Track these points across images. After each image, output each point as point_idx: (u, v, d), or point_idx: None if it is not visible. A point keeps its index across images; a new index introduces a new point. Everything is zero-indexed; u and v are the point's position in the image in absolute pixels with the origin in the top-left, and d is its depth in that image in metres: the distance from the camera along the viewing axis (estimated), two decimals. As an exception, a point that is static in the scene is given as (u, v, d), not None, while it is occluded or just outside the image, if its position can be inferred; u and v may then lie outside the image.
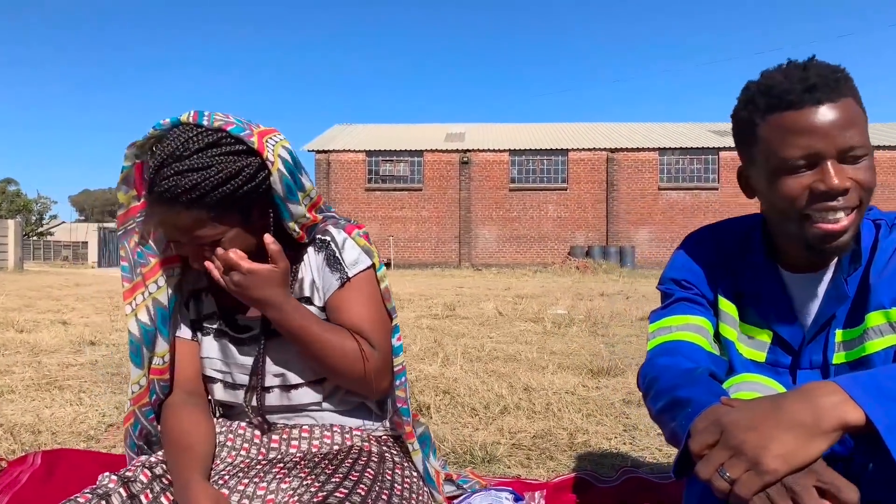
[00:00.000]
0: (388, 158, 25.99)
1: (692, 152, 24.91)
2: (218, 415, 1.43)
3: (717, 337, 1.31)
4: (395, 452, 1.34)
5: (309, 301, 1.30)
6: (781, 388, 1.10)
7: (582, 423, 2.54)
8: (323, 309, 1.31)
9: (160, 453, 1.27)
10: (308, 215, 1.26)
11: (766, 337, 1.25)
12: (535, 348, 4.59)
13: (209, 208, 1.14)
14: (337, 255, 1.28)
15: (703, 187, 24.77)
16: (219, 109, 1.24)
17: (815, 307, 1.21)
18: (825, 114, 1.07)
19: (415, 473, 1.34)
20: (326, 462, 1.23)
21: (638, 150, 25.05)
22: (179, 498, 1.11)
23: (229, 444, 1.30)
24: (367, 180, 25.86)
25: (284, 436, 1.31)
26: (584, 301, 8.92)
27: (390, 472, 1.26)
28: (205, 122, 1.16)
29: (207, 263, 1.19)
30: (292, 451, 1.29)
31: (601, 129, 29.63)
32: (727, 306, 1.30)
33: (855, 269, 1.17)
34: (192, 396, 1.32)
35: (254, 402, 1.32)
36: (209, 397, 1.39)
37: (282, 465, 1.24)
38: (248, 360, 1.31)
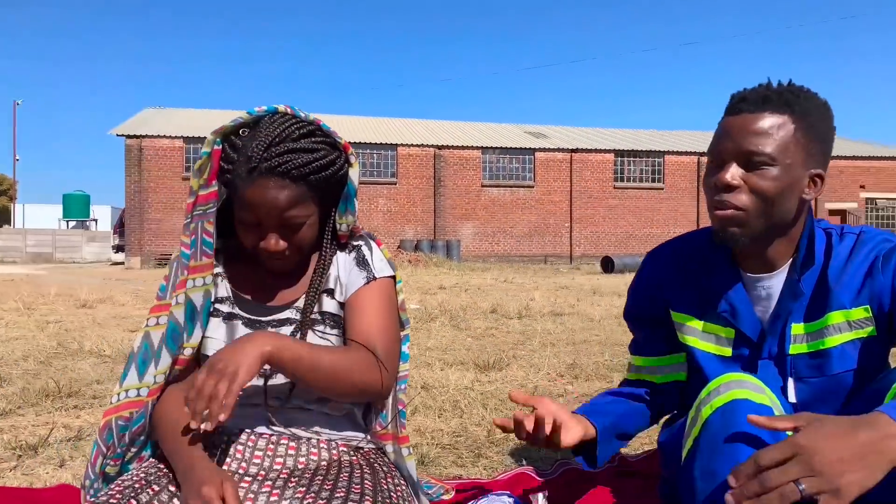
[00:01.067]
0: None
1: (511, 152, 26.36)
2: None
3: (686, 348, 1.47)
4: (381, 462, 1.35)
5: (330, 293, 1.35)
6: (761, 383, 1.20)
7: (492, 418, 2.63)
8: (341, 306, 1.35)
9: (138, 469, 1.21)
10: (348, 228, 1.37)
11: (729, 334, 1.40)
12: (408, 345, 4.63)
13: (310, 187, 1.23)
14: (367, 257, 1.37)
15: (520, 185, 26.31)
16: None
17: (771, 304, 1.36)
18: (738, 120, 1.26)
19: (402, 482, 1.35)
20: (321, 478, 1.21)
21: (463, 147, 26.01)
22: (185, 480, 1.10)
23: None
24: (185, 168, 24.23)
25: (269, 452, 1.27)
26: (430, 295, 9.12)
27: (385, 482, 1.26)
28: (301, 115, 1.27)
29: (281, 242, 1.25)
30: (276, 466, 1.25)
31: (430, 126, 30.34)
32: (685, 319, 1.45)
33: (807, 270, 1.32)
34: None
35: (267, 385, 1.28)
36: None
37: (270, 483, 1.19)
38: None
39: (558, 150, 26.27)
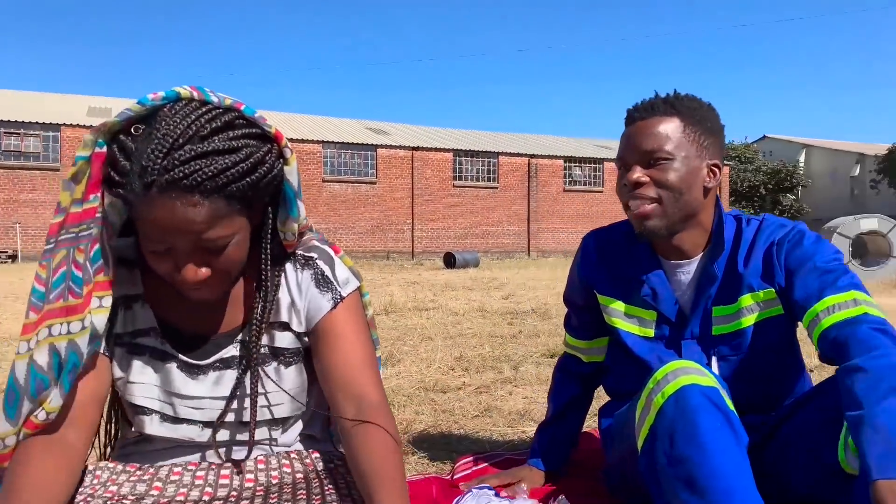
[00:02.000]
0: (13, 131, 21.81)
1: (353, 147, 26.20)
2: (105, 455, 1.24)
3: (611, 329, 1.63)
4: None
5: (285, 326, 1.15)
6: (701, 366, 1.30)
7: (408, 415, 2.68)
8: (303, 335, 1.17)
9: None
10: (306, 219, 1.15)
11: (651, 316, 1.55)
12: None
13: (231, 200, 0.96)
14: (327, 273, 1.15)
15: (363, 181, 26.24)
16: None
17: (690, 288, 1.53)
18: (633, 129, 1.45)
19: None
20: (304, 491, 1.11)
21: (303, 141, 25.42)
22: None
23: (155, 493, 1.09)
24: None
25: (236, 470, 1.16)
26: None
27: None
28: (213, 100, 0.99)
29: (202, 270, 1.00)
30: (248, 484, 1.14)
31: (268, 118, 29.08)
32: (609, 302, 1.62)
33: (718, 256, 1.47)
34: (66, 430, 1.02)
35: (223, 437, 1.16)
36: (109, 429, 1.21)
37: (247, 502, 1.09)
38: (202, 391, 1.14)
39: (400, 147, 26.52)
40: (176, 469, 1.15)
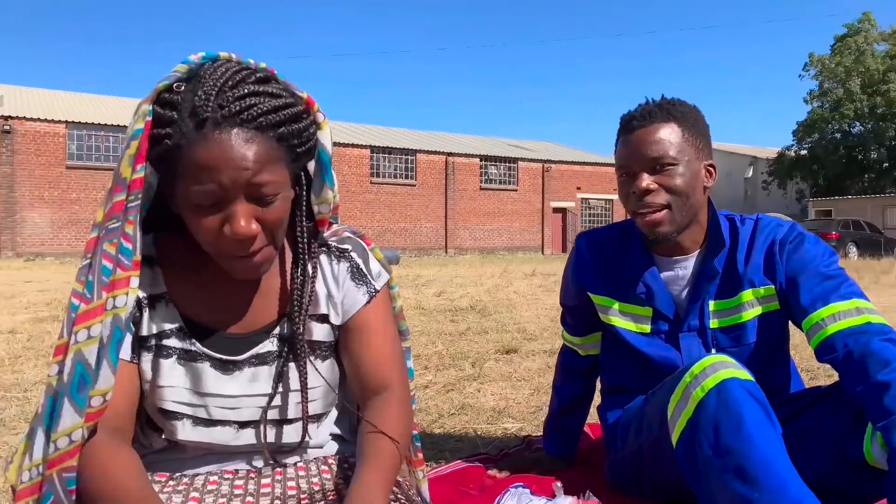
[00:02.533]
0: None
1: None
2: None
3: (606, 327, 1.70)
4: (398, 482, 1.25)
5: (324, 319, 1.12)
6: (735, 361, 1.33)
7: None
8: (333, 329, 1.14)
9: None
10: (329, 211, 1.12)
11: (647, 312, 1.61)
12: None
13: (281, 143, 0.95)
14: (362, 266, 1.14)
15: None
16: None
17: (685, 283, 1.59)
18: (635, 136, 1.49)
19: (418, 497, 1.25)
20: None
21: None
22: None
23: None
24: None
25: (278, 476, 1.13)
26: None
27: (413, 497, 1.18)
28: (250, 62, 1.00)
29: (253, 224, 0.94)
30: (290, 492, 1.11)
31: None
32: (604, 301, 1.67)
33: (719, 251, 1.53)
34: (115, 435, 1.00)
35: (270, 439, 1.11)
36: (148, 436, 1.13)
37: None
38: (237, 389, 1.09)
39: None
40: (212, 479, 1.10)
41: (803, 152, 37.33)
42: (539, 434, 2.30)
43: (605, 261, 1.67)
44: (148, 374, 1.06)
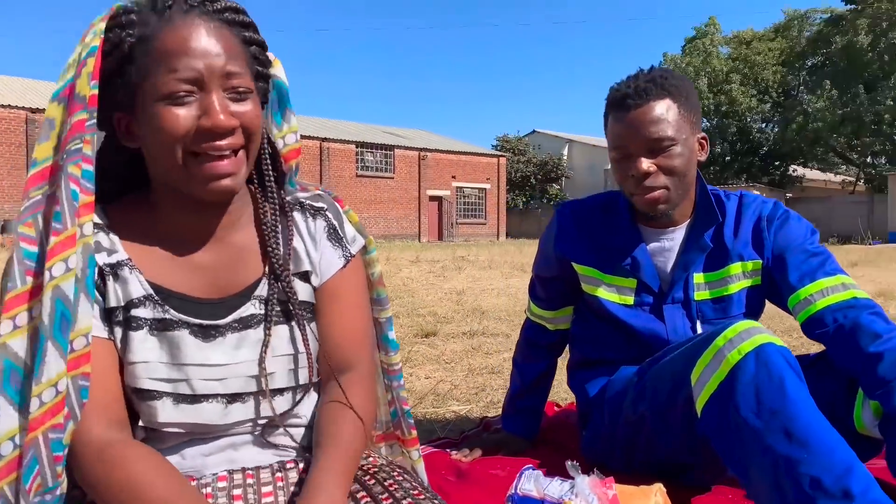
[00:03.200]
0: None
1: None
2: None
3: (588, 297, 1.68)
4: (393, 470, 1.13)
5: (306, 278, 1.02)
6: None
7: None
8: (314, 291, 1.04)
9: None
10: (297, 141, 1.08)
11: (631, 283, 1.61)
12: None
13: (244, 45, 0.93)
14: (338, 227, 1.06)
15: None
16: None
17: (670, 256, 1.60)
18: (631, 116, 1.46)
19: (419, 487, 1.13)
20: (365, 494, 0.98)
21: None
22: None
23: None
24: None
25: (279, 483, 0.99)
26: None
27: (422, 487, 1.08)
28: None
29: (232, 117, 0.89)
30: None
31: (21, 85, 25.30)
32: (588, 271, 1.66)
33: (711, 224, 1.54)
34: (121, 428, 0.90)
35: (264, 412, 0.99)
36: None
37: None
38: (222, 357, 0.96)
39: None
40: (206, 490, 0.95)
41: (657, 146, 39.96)
42: (492, 415, 2.25)
43: (590, 231, 1.65)
44: (119, 350, 0.93)
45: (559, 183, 43.70)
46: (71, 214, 0.84)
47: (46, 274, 0.82)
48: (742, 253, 1.55)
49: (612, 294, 1.62)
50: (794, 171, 37.17)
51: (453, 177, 33.77)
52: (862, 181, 35.08)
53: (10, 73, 27.50)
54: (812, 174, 37.10)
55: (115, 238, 0.94)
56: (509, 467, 1.65)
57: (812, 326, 1.40)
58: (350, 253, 1.05)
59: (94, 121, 0.87)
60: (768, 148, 37.02)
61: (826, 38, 33.33)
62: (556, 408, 2.27)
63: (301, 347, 1.00)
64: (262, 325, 0.98)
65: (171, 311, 0.94)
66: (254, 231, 1.01)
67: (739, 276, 1.55)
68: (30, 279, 0.83)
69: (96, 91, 0.86)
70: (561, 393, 2.53)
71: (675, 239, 1.58)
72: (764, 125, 37.38)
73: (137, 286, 0.93)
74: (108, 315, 0.93)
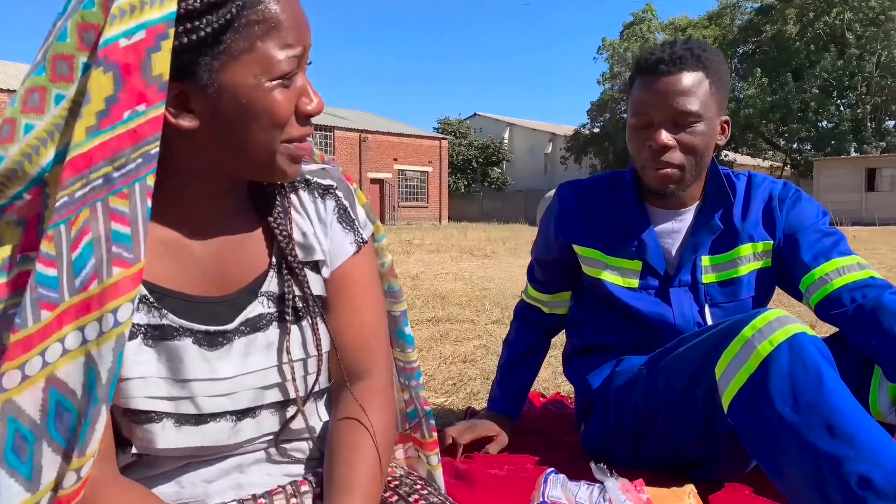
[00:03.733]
0: None
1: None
2: None
3: (591, 280, 1.59)
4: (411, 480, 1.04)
5: (316, 267, 0.88)
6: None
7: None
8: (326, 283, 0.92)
9: None
10: None
11: (636, 266, 1.53)
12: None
13: None
14: (349, 208, 0.92)
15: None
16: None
17: (676, 238, 1.53)
18: (660, 83, 1.38)
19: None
20: None
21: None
22: None
23: None
24: None
25: None
26: None
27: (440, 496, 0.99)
28: None
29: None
30: None
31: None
32: (590, 253, 1.57)
33: (721, 205, 1.48)
34: (103, 462, 0.75)
35: (274, 427, 0.86)
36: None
37: None
38: (231, 368, 0.82)
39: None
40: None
41: (596, 130, 40.70)
42: (477, 406, 2.16)
43: (594, 212, 1.56)
44: None
45: (500, 166, 43.95)
46: (145, 240, 0.68)
47: (108, 318, 0.65)
48: (752, 234, 1.48)
49: (616, 277, 1.54)
50: (725, 157, 38.37)
51: (395, 159, 33.46)
52: (788, 167, 36.57)
53: None
54: (742, 159, 38.44)
55: None
56: (507, 465, 1.56)
57: (828, 307, 1.35)
58: (362, 238, 0.92)
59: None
60: (702, 133, 38.08)
61: (756, 27, 34.43)
62: (541, 398, 2.18)
63: (313, 350, 0.86)
64: (271, 327, 0.84)
65: (171, 315, 0.78)
66: (254, 215, 0.86)
67: (749, 258, 1.49)
68: (48, 314, 0.64)
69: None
70: (545, 382, 2.45)
71: (684, 220, 1.51)
72: (698, 111, 38.34)
73: None
74: None
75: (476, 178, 42.78)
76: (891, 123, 34.44)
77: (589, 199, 1.57)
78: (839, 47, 31.66)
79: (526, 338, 1.78)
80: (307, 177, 0.90)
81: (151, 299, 0.78)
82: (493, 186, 42.50)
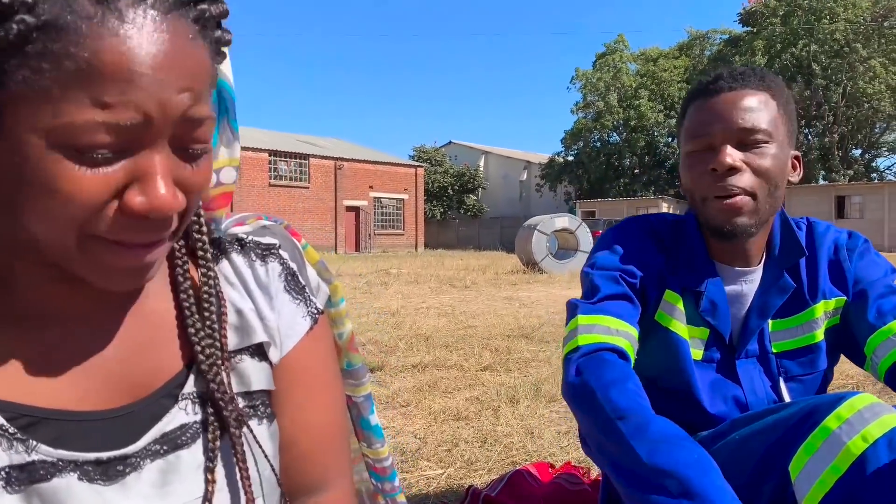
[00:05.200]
0: None
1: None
2: None
3: (656, 333, 1.28)
4: None
5: (261, 352, 0.68)
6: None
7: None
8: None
9: None
10: (234, 180, 0.71)
11: (703, 334, 1.28)
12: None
13: (207, 43, 0.54)
14: (297, 271, 0.72)
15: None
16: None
17: (746, 301, 1.28)
18: (721, 100, 1.17)
19: None
20: None
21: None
22: None
23: None
24: None
25: None
26: None
27: None
28: None
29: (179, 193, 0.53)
30: None
31: None
32: (675, 299, 1.27)
33: (793, 261, 1.26)
34: None
35: None
36: None
37: None
38: (178, 497, 0.60)
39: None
40: None
41: (570, 158, 41.04)
42: (479, 483, 1.89)
43: (675, 260, 1.28)
44: None
45: (476, 194, 44.04)
46: None
47: None
48: (825, 290, 1.26)
49: (692, 342, 1.27)
50: (697, 184, 38.95)
51: (371, 187, 33.29)
52: (759, 194, 37.12)
53: None
54: (714, 187, 38.94)
55: None
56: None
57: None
58: (317, 308, 0.72)
59: None
60: (675, 161, 38.60)
61: (725, 58, 35.10)
62: (550, 470, 1.93)
63: (256, 474, 0.65)
64: (199, 442, 0.62)
65: (42, 447, 0.55)
66: (170, 295, 0.65)
67: (822, 320, 1.27)
68: None
69: None
70: (549, 446, 2.19)
71: (754, 281, 1.27)
72: (671, 139, 38.92)
73: None
74: None
75: (451, 205, 42.78)
76: (857, 152, 35.25)
77: (664, 241, 1.31)
78: (806, 78, 32.43)
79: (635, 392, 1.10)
80: (240, 237, 0.70)
81: (10, 430, 0.54)
82: (468, 213, 42.51)
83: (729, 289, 1.27)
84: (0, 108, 0.47)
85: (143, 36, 0.48)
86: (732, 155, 1.15)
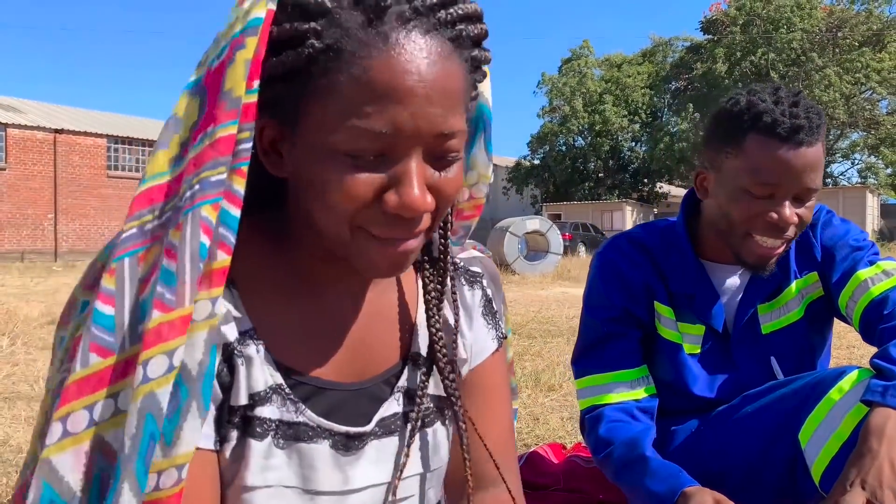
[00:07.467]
0: None
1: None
2: None
3: (656, 342, 1.42)
4: None
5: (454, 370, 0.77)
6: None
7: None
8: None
9: None
10: (485, 194, 0.84)
11: (699, 330, 1.41)
12: None
13: (472, 72, 0.65)
14: (492, 299, 0.84)
15: (-16, 166, 21.42)
16: None
17: (739, 292, 1.41)
18: (800, 157, 1.20)
19: None
20: None
21: None
22: None
23: None
24: None
25: None
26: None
27: None
28: None
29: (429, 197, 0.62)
30: None
31: None
32: (664, 310, 1.41)
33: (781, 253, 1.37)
34: None
35: None
36: None
37: None
38: (364, 477, 0.70)
39: (38, 128, 22.38)
40: None
41: (536, 162, 41.46)
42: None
43: (662, 268, 1.40)
44: (228, 469, 0.65)
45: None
46: (192, 281, 0.55)
47: (139, 371, 0.52)
48: (795, 270, 1.39)
49: (686, 344, 1.40)
50: (660, 188, 39.66)
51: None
52: (720, 198, 37.97)
53: None
54: (676, 191, 39.73)
55: (235, 292, 0.64)
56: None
57: (867, 329, 1.24)
58: (503, 333, 0.85)
59: (250, 143, 0.59)
60: (638, 165, 39.32)
61: (688, 65, 35.94)
62: (563, 450, 2.03)
63: (433, 463, 0.77)
64: (398, 432, 0.73)
65: (308, 412, 0.67)
66: (396, 294, 0.75)
67: (802, 295, 1.39)
68: (97, 360, 0.54)
69: (255, 98, 0.57)
70: (556, 430, 2.30)
71: (735, 274, 1.40)
72: (634, 144, 39.65)
73: (262, 372, 0.65)
74: (220, 414, 0.65)
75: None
76: (812, 158, 36.30)
77: (652, 253, 1.42)
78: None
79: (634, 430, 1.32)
80: (456, 261, 0.82)
81: (286, 390, 0.65)
82: (435, 216, 42.57)
83: (721, 283, 1.39)
84: (297, 119, 0.58)
85: (404, 56, 0.56)
86: (794, 212, 1.23)
